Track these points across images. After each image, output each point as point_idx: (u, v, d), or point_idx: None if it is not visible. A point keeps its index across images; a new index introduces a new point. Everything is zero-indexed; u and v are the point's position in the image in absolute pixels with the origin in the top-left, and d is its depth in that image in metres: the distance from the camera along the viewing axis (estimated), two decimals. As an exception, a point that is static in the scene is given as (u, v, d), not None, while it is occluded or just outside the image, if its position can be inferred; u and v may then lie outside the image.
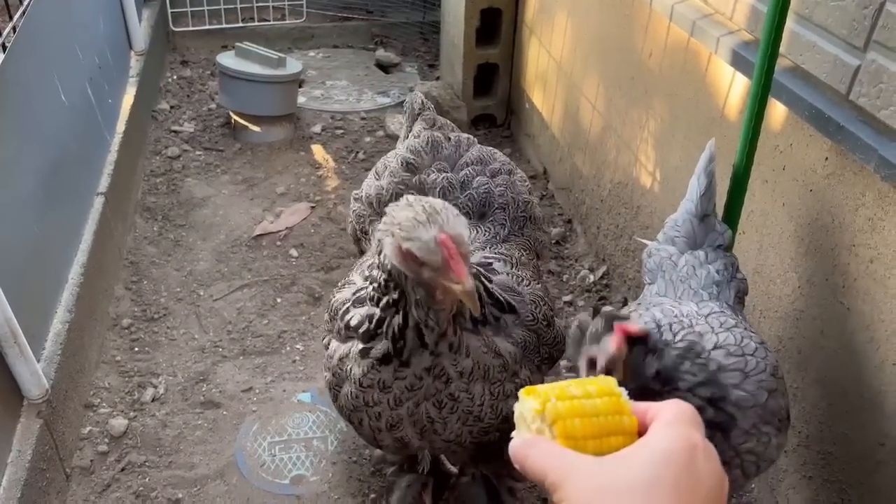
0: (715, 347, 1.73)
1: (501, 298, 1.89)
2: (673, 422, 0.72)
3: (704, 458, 0.69)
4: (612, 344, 1.54)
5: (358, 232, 2.43)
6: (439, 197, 2.25)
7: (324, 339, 2.11)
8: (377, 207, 2.33)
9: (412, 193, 2.27)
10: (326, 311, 2.11)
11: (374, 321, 1.77)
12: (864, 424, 2.00)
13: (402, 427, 1.93)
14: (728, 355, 1.71)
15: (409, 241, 1.50)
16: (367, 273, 1.90)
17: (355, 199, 2.47)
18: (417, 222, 1.49)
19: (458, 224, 1.50)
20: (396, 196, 2.27)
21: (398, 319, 1.72)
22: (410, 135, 2.49)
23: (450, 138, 2.42)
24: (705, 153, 2.18)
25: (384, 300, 1.73)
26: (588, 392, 0.77)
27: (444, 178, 2.30)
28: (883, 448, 1.95)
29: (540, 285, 2.12)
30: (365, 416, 1.95)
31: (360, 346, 1.83)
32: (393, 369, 1.79)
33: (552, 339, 2.03)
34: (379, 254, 1.69)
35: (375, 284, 1.75)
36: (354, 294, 1.91)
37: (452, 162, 2.37)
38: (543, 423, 0.76)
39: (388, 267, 1.65)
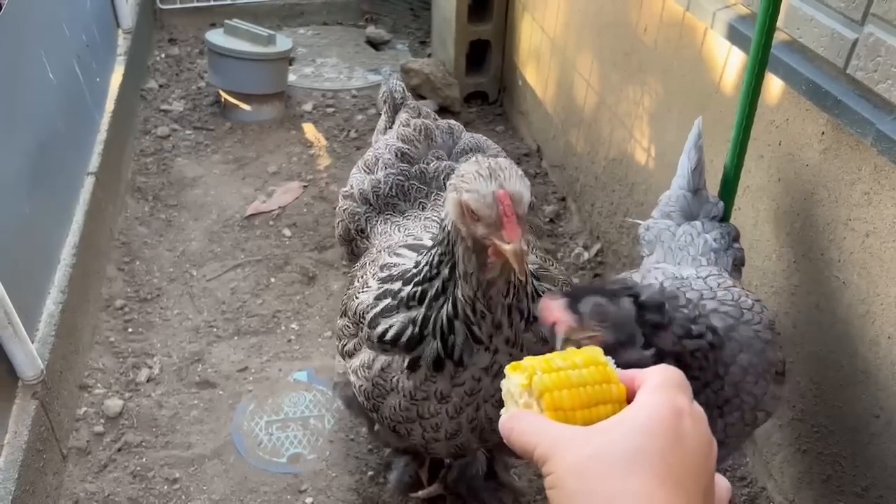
0: (712, 301, 1.75)
1: (544, 289, 1.81)
2: (659, 387, 0.71)
3: (691, 423, 0.68)
4: (557, 330, 1.50)
5: (352, 231, 2.29)
6: (444, 184, 2.21)
7: (344, 343, 1.99)
8: (374, 202, 2.24)
9: (413, 184, 2.24)
10: (343, 316, 2.00)
11: (419, 323, 1.70)
12: (859, 397, 2.02)
13: (462, 434, 1.86)
14: (722, 304, 1.74)
15: (468, 193, 1.47)
16: (407, 276, 1.77)
17: (345, 197, 2.34)
18: (479, 175, 1.46)
19: (520, 183, 1.46)
20: (396, 188, 2.23)
21: (448, 309, 1.66)
22: (398, 124, 2.40)
23: (440, 126, 2.37)
24: (693, 130, 2.20)
25: (432, 290, 1.66)
26: (574, 363, 0.76)
27: (446, 165, 2.25)
28: (878, 420, 1.97)
29: (560, 266, 2.10)
30: (417, 427, 1.86)
31: (407, 358, 1.75)
32: (449, 376, 1.72)
33: None
34: (441, 222, 1.63)
35: (426, 269, 1.68)
36: (377, 298, 1.82)
37: (448, 149, 2.32)
38: (531, 398, 0.75)
39: (448, 227, 1.59)
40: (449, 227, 1.59)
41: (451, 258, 1.62)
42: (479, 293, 1.62)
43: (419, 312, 1.71)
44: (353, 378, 1.93)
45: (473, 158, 1.55)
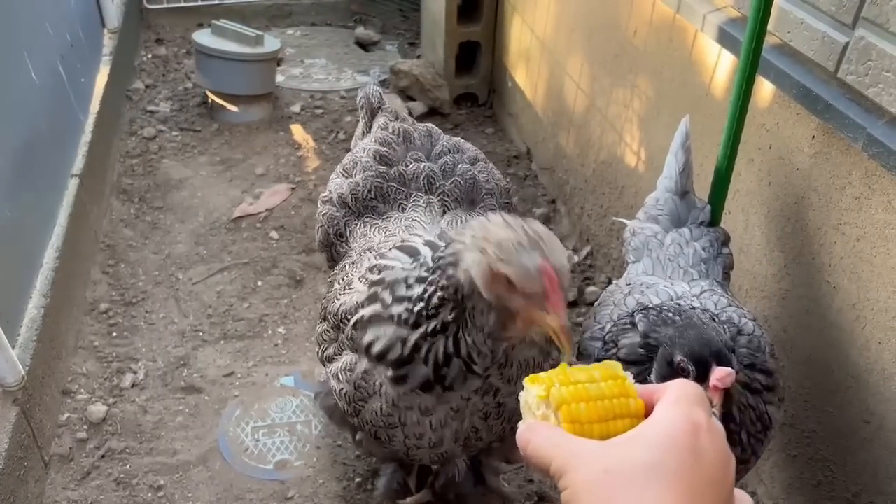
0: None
1: None
2: (676, 402, 0.71)
3: (709, 438, 0.68)
4: (714, 399, 1.48)
5: (332, 236, 2.25)
6: (424, 185, 2.19)
7: (324, 349, 1.93)
8: (353, 205, 2.22)
9: (392, 186, 2.22)
10: (324, 320, 1.95)
11: (409, 347, 1.62)
12: (850, 402, 2.01)
13: (445, 444, 1.83)
14: (739, 336, 1.72)
15: (508, 265, 1.37)
16: (397, 292, 1.67)
17: (324, 202, 2.31)
18: (520, 246, 1.37)
19: (562, 255, 1.39)
20: (375, 190, 2.20)
21: (447, 345, 1.58)
22: (376, 127, 2.38)
23: (418, 129, 2.35)
24: (680, 130, 2.18)
25: (429, 326, 1.57)
26: (593, 376, 0.76)
27: (425, 166, 2.22)
28: (868, 426, 1.96)
29: None
30: (399, 434, 1.82)
31: (391, 372, 1.68)
32: (436, 396, 1.67)
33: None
34: (445, 269, 1.52)
35: (420, 305, 1.57)
36: (368, 300, 1.74)
37: (426, 151, 2.30)
38: (548, 409, 0.75)
39: (462, 285, 1.49)
40: (463, 282, 1.49)
41: (459, 307, 1.53)
42: (489, 343, 1.56)
43: (410, 335, 1.62)
44: (333, 382, 1.89)
45: (499, 219, 1.44)
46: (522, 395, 0.79)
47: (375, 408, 1.79)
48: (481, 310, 1.51)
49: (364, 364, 1.77)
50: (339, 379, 1.86)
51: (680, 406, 0.70)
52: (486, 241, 1.41)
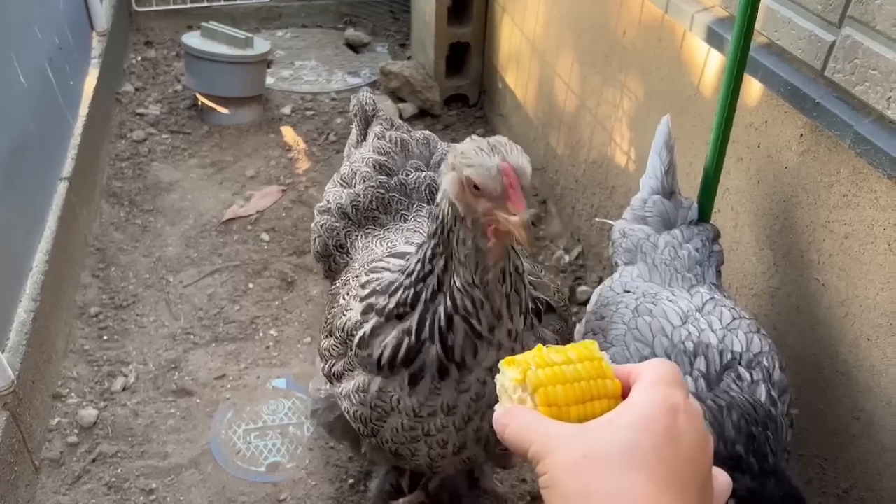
0: (732, 359, 1.73)
1: (543, 299, 1.77)
2: (653, 383, 0.71)
3: (686, 419, 0.68)
4: None
5: (331, 246, 2.24)
6: (426, 195, 2.20)
7: (331, 364, 1.89)
8: (354, 216, 2.20)
9: (394, 196, 2.21)
10: (329, 336, 1.91)
11: (414, 330, 1.63)
12: (839, 399, 2.02)
13: (468, 447, 1.81)
14: (749, 367, 1.71)
15: (470, 168, 1.42)
16: (390, 289, 1.70)
17: (321, 213, 2.29)
18: (481, 150, 1.43)
19: (522, 157, 1.43)
20: (376, 201, 2.20)
21: (446, 304, 1.58)
22: (373, 136, 2.37)
23: (415, 137, 2.35)
24: (662, 129, 2.17)
25: (428, 288, 1.60)
26: (569, 358, 0.76)
27: (426, 175, 2.23)
28: (858, 422, 1.97)
29: (550, 275, 2.07)
30: (423, 447, 1.80)
31: (407, 374, 1.67)
32: (455, 383, 1.66)
33: (572, 326, 1.96)
34: (438, 204, 1.57)
35: (418, 265, 1.61)
36: (364, 314, 1.74)
37: (425, 160, 2.30)
38: (525, 393, 0.74)
39: (444, 212, 1.53)
40: (445, 212, 1.53)
41: (447, 248, 1.56)
42: (478, 279, 1.55)
43: (412, 320, 1.63)
44: (345, 403, 1.84)
45: (469, 138, 1.52)
46: (499, 378, 0.78)
47: (395, 424, 1.76)
48: (464, 237, 1.53)
49: (378, 382, 1.74)
50: (352, 401, 1.81)
51: (657, 387, 0.70)
52: (456, 156, 1.47)
